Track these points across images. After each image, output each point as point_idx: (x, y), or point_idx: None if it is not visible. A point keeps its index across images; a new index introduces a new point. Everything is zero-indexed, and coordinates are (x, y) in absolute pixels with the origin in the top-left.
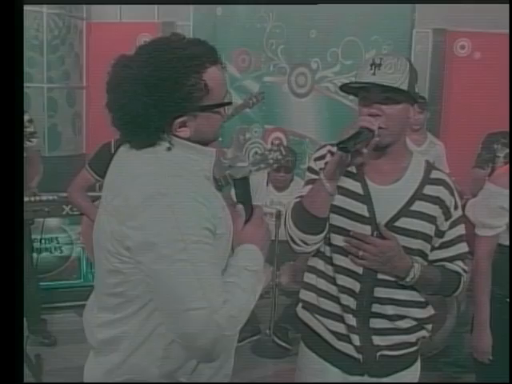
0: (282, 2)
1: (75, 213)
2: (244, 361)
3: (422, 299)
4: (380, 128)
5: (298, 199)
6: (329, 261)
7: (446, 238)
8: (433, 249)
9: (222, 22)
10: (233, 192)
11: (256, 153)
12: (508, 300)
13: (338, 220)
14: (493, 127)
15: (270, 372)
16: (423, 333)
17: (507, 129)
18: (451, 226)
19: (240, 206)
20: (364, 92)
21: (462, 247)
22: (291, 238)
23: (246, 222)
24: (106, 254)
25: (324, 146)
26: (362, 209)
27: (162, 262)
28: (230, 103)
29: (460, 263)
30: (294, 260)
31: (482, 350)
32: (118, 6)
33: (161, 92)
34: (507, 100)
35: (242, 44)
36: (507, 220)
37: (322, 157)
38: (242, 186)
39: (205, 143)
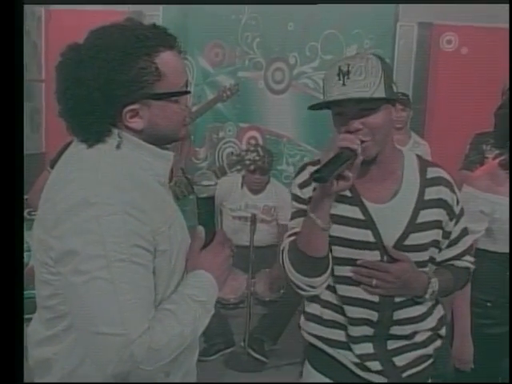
0: (281, 1)
1: (34, 217)
2: (217, 375)
3: (431, 303)
4: (363, 142)
5: (291, 238)
6: (333, 290)
7: (453, 235)
8: (440, 250)
9: (193, 13)
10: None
11: (232, 153)
12: (489, 304)
13: (341, 251)
14: (481, 127)
15: None
16: (438, 342)
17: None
18: (455, 223)
19: (200, 228)
20: (337, 107)
21: (468, 240)
22: (296, 284)
23: (205, 247)
24: (37, 263)
25: (304, 166)
26: (366, 235)
27: (79, 278)
28: (187, 92)
29: (468, 258)
30: (269, 267)
31: (464, 358)
32: None
33: (106, 74)
34: (496, 98)
35: (216, 36)
36: (487, 224)
37: (307, 182)
38: (206, 206)
39: (165, 142)
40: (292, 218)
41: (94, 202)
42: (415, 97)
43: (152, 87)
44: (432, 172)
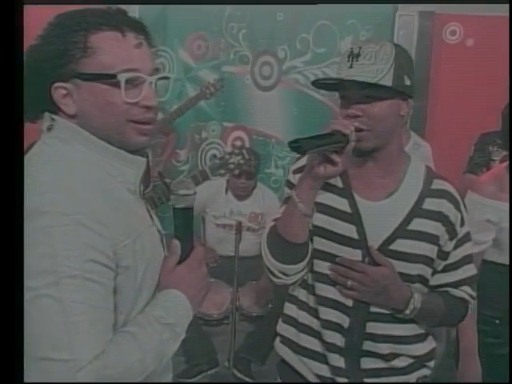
0: (279, 1)
1: None
2: None
3: (422, 331)
4: (361, 130)
5: (272, 223)
6: (311, 290)
7: (451, 259)
8: (435, 272)
9: (174, 2)
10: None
11: (214, 156)
12: (498, 322)
13: (322, 244)
14: (487, 126)
15: None
16: (424, 371)
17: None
18: (457, 246)
19: (176, 242)
20: (342, 90)
21: (469, 270)
22: (269, 269)
23: (180, 263)
24: None
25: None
26: (350, 230)
27: (26, 294)
28: (113, 75)
29: (467, 288)
30: (256, 279)
31: (471, 379)
32: None
33: (41, 46)
34: (504, 95)
35: (198, 27)
36: (494, 234)
37: (302, 169)
38: (183, 217)
39: (116, 144)
40: (282, 205)
41: (46, 210)
42: (416, 92)
43: (78, 63)
44: (438, 184)
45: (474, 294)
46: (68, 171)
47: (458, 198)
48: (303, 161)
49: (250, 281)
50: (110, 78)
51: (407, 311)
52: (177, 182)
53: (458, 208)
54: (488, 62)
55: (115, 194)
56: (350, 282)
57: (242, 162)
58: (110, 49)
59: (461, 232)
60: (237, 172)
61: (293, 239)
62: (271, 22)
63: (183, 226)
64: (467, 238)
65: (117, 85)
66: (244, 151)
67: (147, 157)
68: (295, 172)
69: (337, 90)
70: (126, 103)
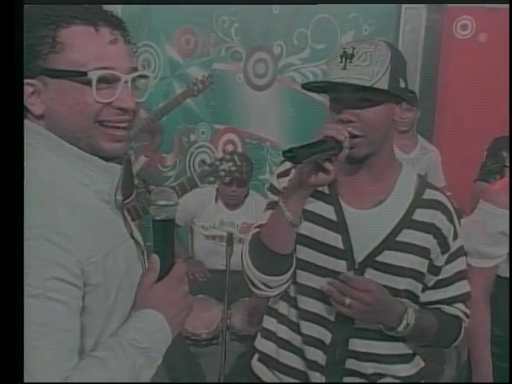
0: (279, 1)
1: None
2: None
3: (409, 351)
4: (355, 137)
5: (255, 230)
6: (293, 303)
7: (443, 275)
8: (426, 289)
9: (173, 1)
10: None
11: (204, 162)
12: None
13: (305, 253)
14: (501, 130)
15: None
16: None
17: None
18: (449, 261)
19: (155, 257)
20: (334, 92)
21: (463, 286)
22: (250, 280)
23: (159, 280)
24: None
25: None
26: (335, 239)
27: None
28: (83, 73)
29: (461, 306)
30: (249, 295)
31: None
32: None
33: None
34: None
35: (186, 21)
36: (508, 248)
37: (287, 172)
38: (163, 230)
39: (87, 149)
40: (264, 211)
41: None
42: (423, 94)
43: (46, 59)
44: (431, 194)
45: (468, 311)
46: (34, 180)
47: (452, 209)
48: (288, 164)
49: (243, 297)
50: (80, 76)
51: (400, 328)
52: (157, 191)
53: (451, 220)
54: (503, 59)
55: (86, 204)
56: (348, 301)
57: (233, 168)
58: (82, 45)
59: (454, 246)
60: (228, 179)
61: (278, 249)
62: (266, 15)
63: (163, 240)
64: (460, 252)
65: (88, 83)
66: (236, 157)
67: (129, 162)
68: (280, 176)
69: (326, 93)
70: (98, 103)
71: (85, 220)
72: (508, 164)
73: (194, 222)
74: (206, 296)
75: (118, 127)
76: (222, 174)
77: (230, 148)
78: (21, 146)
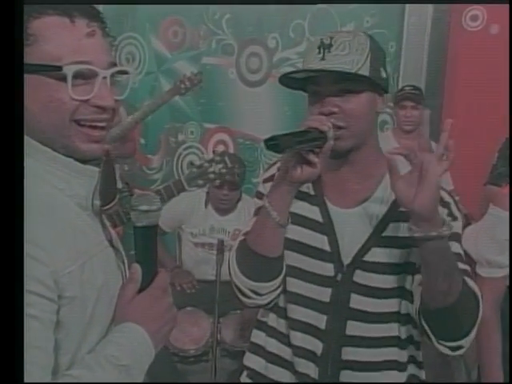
0: (279, 1)
1: None
2: None
3: (404, 359)
4: (339, 128)
5: (242, 237)
6: (282, 313)
7: None
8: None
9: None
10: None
11: (192, 163)
12: None
13: (292, 258)
14: None
15: None
16: None
17: None
18: None
19: (136, 267)
20: (313, 85)
21: (458, 247)
22: (238, 288)
23: (141, 291)
24: None
25: (275, 162)
26: (321, 241)
27: None
28: (58, 67)
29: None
30: (241, 308)
31: None
32: None
33: None
34: None
35: (174, 11)
36: None
37: (272, 177)
38: (145, 237)
39: (62, 150)
40: (252, 218)
41: None
42: (429, 90)
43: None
44: None
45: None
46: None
47: (446, 194)
48: (274, 169)
49: (234, 310)
50: (55, 71)
51: (444, 230)
52: (138, 195)
53: (444, 205)
54: None
55: (61, 210)
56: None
57: (224, 170)
58: (56, 37)
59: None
60: (218, 182)
61: (266, 253)
62: (260, 5)
63: (145, 248)
64: (456, 237)
65: (63, 79)
66: (227, 158)
67: (111, 164)
68: (266, 181)
69: (303, 89)
70: (75, 100)
71: (59, 227)
72: None
73: (182, 228)
74: (195, 309)
75: (95, 127)
76: (212, 176)
77: (220, 149)
78: (20, 145)
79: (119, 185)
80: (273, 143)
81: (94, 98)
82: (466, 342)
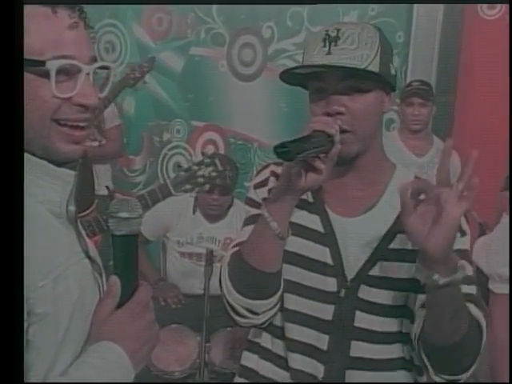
0: (279, 1)
1: None
2: None
3: (410, 380)
4: (344, 131)
5: (235, 248)
6: (279, 333)
7: None
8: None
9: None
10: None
11: (179, 166)
12: None
13: (290, 272)
14: None
15: None
16: None
17: None
18: None
19: (114, 279)
20: (316, 81)
21: (470, 289)
22: (231, 306)
23: (120, 307)
24: None
25: (267, 165)
26: (323, 253)
27: None
28: (41, 62)
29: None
30: (231, 325)
31: None
32: None
33: None
34: None
35: None
36: None
37: (265, 182)
38: (124, 247)
39: (40, 152)
40: (242, 227)
41: None
42: (440, 86)
43: None
44: None
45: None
46: None
47: None
48: (266, 173)
49: (224, 327)
50: (37, 66)
51: (458, 275)
52: (117, 201)
53: None
54: None
55: (32, 218)
56: None
57: (214, 174)
58: (38, 29)
59: (457, 245)
60: (208, 187)
61: (263, 268)
62: None
63: (125, 259)
64: (465, 254)
65: (45, 74)
66: (217, 160)
67: (89, 167)
68: (257, 186)
69: (303, 85)
70: (57, 98)
71: (30, 237)
72: None
73: (168, 236)
74: (180, 326)
75: (76, 127)
76: (201, 180)
77: (210, 150)
78: (20, 145)
79: (101, 189)
80: (283, 150)
81: (76, 96)
82: (465, 376)
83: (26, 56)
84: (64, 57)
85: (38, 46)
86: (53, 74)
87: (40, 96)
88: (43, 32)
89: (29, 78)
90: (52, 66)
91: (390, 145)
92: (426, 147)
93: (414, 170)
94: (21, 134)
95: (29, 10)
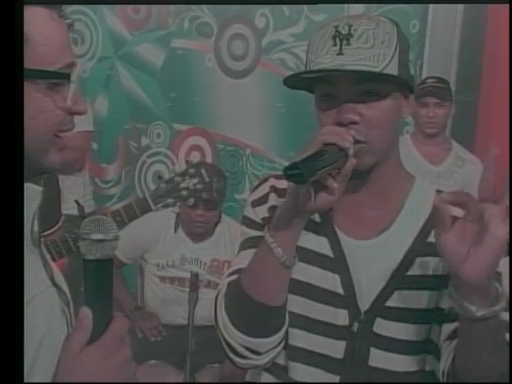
0: (279, 1)
1: None
2: None
3: None
4: (358, 142)
5: (233, 277)
6: (282, 373)
7: None
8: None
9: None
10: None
11: (159, 177)
12: None
13: (296, 304)
14: None
15: None
16: None
17: None
18: None
19: (86, 311)
20: (324, 85)
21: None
22: (229, 345)
23: (92, 342)
24: None
25: (266, 179)
26: (332, 282)
27: None
28: (65, 75)
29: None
30: (220, 361)
31: None
32: None
33: None
34: None
35: None
36: None
37: (264, 199)
38: (97, 274)
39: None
40: (239, 251)
41: None
42: (461, 83)
43: None
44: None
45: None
46: None
47: None
48: (266, 188)
49: (211, 363)
50: (49, 78)
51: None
52: (89, 220)
53: None
54: None
55: None
56: None
57: (199, 186)
58: (47, 35)
59: None
60: (192, 201)
61: (267, 301)
62: None
63: (97, 286)
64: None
65: (52, 85)
66: (203, 170)
67: (54, 178)
68: (255, 204)
69: (308, 89)
70: (60, 110)
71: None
72: None
73: (146, 258)
74: (161, 362)
75: (59, 135)
76: (185, 193)
77: (195, 157)
78: (20, 145)
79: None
80: (295, 172)
81: (72, 105)
82: None
83: (38, 66)
84: (70, 65)
85: (50, 56)
86: (72, 85)
87: (48, 109)
88: (52, 39)
89: (38, 90)
90: (73, 77)
91: (401, 151)
92: (442, 154)
93: (434, 181)
94: (20, 135)
95: (36, 10)
